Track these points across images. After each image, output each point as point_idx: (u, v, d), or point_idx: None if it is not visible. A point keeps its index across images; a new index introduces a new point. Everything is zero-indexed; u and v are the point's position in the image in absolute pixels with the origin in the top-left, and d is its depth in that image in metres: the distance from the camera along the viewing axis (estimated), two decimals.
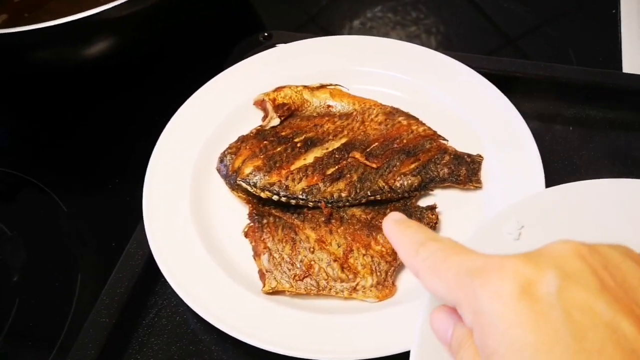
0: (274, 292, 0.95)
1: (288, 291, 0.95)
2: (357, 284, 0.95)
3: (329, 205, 1.04)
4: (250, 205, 1.06)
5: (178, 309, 1.00)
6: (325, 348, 0.86)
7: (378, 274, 0.96)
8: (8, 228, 1.13)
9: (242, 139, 1.12)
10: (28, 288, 1.04)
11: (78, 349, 0.89)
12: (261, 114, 1.21)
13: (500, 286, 0.44)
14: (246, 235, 1.02)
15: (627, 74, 1.29)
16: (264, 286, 0.95)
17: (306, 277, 0.95)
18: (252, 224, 1.03)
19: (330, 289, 0.95)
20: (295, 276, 0.95)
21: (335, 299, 0.96)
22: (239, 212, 1.07)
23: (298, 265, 0.96)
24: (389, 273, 0.97)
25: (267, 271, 0.96)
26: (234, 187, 1.07)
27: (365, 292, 0.95)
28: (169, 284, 0.95)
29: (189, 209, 1.05)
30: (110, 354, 0.91)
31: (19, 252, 1.10)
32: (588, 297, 0.42)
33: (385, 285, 0.96)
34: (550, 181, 1.01)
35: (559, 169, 1.14)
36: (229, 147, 1.10)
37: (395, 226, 0.62)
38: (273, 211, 1.04)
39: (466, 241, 0.86)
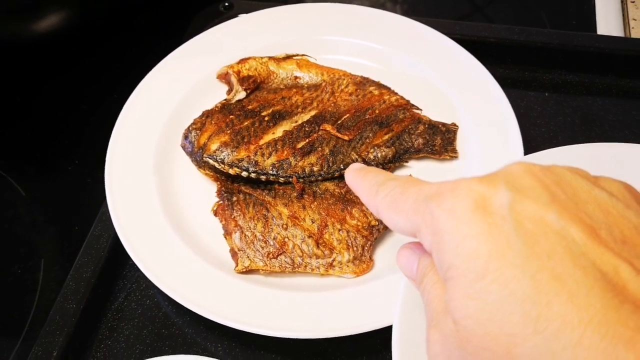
0: (248, 271, 0.96)
1: (262, 270, 0.96)
2: (333, 260, 0.97)
3: (301, 180, 1.05)
4: (218, 182, 1.06)
5: (148, 292, 1.00)
6: (302, 326, 0.87)
7: (355, 249, 0.98)
8: None
9: (207, 114, 1.12)
10: None
11: (45, 336, 0.88)
12: (225, 87, 1.21)
13: (455, 203, 0.46)
14: (215, 213, 1.03)
15: (603, 36, 1.31)
16: (236, 265, 0.96)
17: (280, 254, 0.96)
18: (221, 202, 1.03)
19: (306, 266, 0.96)
20: (268, 254, 0.96)
21: (311, 277, 0.97)
22: (207, 191, 1.07)
23: (271, 243, 0.97)
24: (366, 248, 0.98)
25: (239, 250, 0.97)
26: (201, 164, 1.07)
27: (342, 268, 0.96)
28: (137, 267, 0.96)
29: (154, 188, 1.05)
30: (79, 340, 0.91)
31: None
32: (539, 209, 0.44)
33: (363, 260, 0.97)
34: (528, 148, 1.03)
35: (535, 136, 1.16)
36: (194, 123, 1.10)
37: (355, 173, 0.65)
38: (243, 188, 1.05)
39: None
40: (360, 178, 0.63)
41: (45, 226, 1.11)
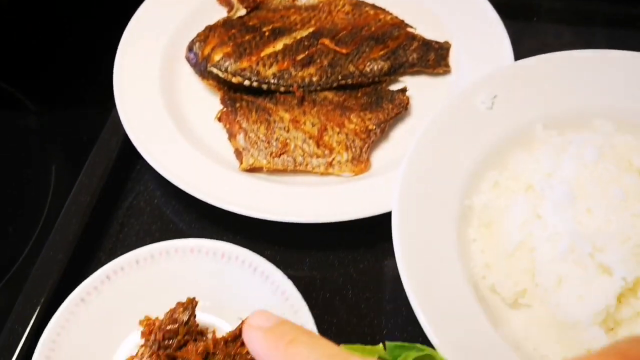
0: (252, 170, 1.02)
1: (265, 167, 1.01)
2: (333, 159, 1.03)
3: (301, 89, 1.10)
4: (221, 92, 1.12)
5: (156, 193, 1.06)
6: (304, 213, 0.93)
7: (353, 149, 1.04)
8: None
9: (210, 28, 1.16)
10: (2, 179, 1.09)
11: (60, 227, 0.94)
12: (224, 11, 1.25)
13: None
14: (220, 119, 1.08)
15: None
16: (241, 164, 1.02)
17: (283, 154, 1.02)
18: (225, 108, 1.09)
19: (307, 165, 1.02)
20: (271, 153, 1.02)
21: (312, 176, 1.03)
22: (210, 101, 1.12)
23: (274, 144, 1.03)
24: (364, 149, 1.04)
25: (243, 149, 1.03)
26: (205, 74, 1.12)
27: (341, 167, 1.02)
28: (145, 170, 1.01)
29: (160, 98, 1.10)
30: (92, 233, 0.97)
31: None
32: None
33: (360, 160, 1.03)
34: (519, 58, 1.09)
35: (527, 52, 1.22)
36: (198, 36, 1.15)
37: (268, 345, 0.43)
38: (245, 97, 1.10)
39: (437, 112, 0.94)
40: (281, 354, 0.41)
41: (54, 136, 1.16)
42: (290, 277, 0.84)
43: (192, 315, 0.77)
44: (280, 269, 0.87)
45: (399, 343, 0.63)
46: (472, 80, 0.97)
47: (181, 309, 0.77)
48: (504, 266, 0.80)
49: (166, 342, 0.75)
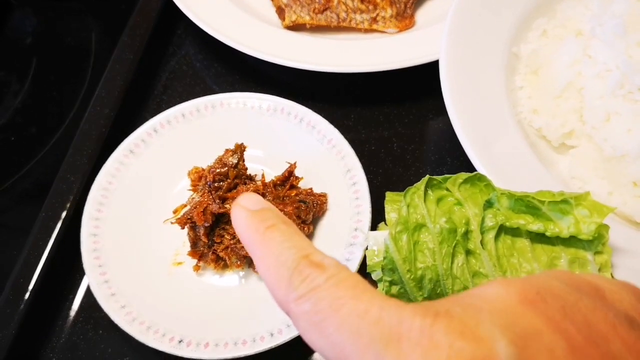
0: (295, 27, 1.02)
1: (308, 24, 1.02)
2: (377, 15, 1.03)
3: None
4: None
5: (198, 56, 1.08)
6: (351, 62, 0.93)
7: (397, 5, 1.04)
8: None
9: None
10: (43, 48, 1.12)
11: (106, 82, 0.96)
12: None
13: None
14: None
15: None
16: (283, 21, 1.02)
17: (326, 10, 1.03)
18: None
19: (351, 20, 1.02)
20: (314, 9, 1.02)
21: (356, 33, 1.04)
22: None
23: (317, 0, 1.03)
24: (408, 4, 1.04)
25: (285, 6, 1.03)
26: None
27: (385, 23, 1.03)
28: (187, 35, 1.03)
29: None
30: (136, 91, 1.00)
31: (28, 18, 1.17)
32: None
33: (405, 16, 1.03)
34: None
35: None
36: None
37: (249, 220, 0.44)
38: None
39: None
40: (262, 245, 0.42)
41: (92, 3, 1.17)
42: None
43: (241, 159, 0.80)
44: None
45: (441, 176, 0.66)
46: None
47: (230, 153, 0.80)
48: (551, 108, 0.81)
49: (216, 184, 0.78)
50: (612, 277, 0.61)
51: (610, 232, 0.64)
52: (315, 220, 0.82)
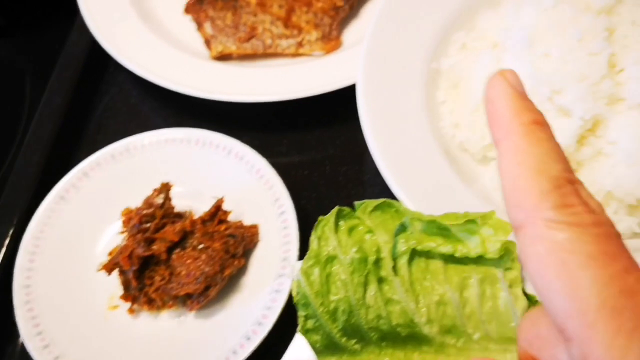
0: (222, 57, 1.03)
1: (235, 53, 1.02)
2: (302, 39, 1.03)
3: None
4: None
5: (132, 92, 1.08)
6: (277, 90, 0.94)
7: (322, 28, 1.04)
8: None
9: None
10: None
11: (35, 129, 0.96)
12: None
13: None
14: (187, 11, 1.09)
15: None
16: (211, 51, 1.03)
17: (251, 38, 1.03)
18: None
19: (277, 47, 1.03)
20: (240, 38, 1.03)
21: (284, 58, 1.04)
22: None
23: (242, 29, 1.04)
24: (333, 26, 1.05)
25: (211, 37, 1.03)
26: None
27: (311, 46, 1.03)
28: (118, 71, 1.03)
29: None
30: (68, 134, 1.00)
31: None
32: None
33: (331, 38, 1.04)
34: None
35: None
36: None
37: (513, 106, 0.35)
38: None
39: None
40: (522, 126, 0.34)
41: (24, 46, 1.17)
42: (268, 158, 0.87)
43: (167, 198, 0.80)
44: (259, 152, 0.89)
45: (366, 200, 0.66)
46: None
47: (156, 194, 0.80)
48: (470, 121, 0.82)
49: (144, 225, 0.78)
50: (524, 292, 0.62)
51: None
52: (248, 252, 0.82)
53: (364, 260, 0.61)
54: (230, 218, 0.83)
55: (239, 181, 0.86)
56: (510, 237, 0.61)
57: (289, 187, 0.87)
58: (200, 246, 0.78)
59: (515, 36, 0.78)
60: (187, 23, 1.09)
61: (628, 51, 0.73)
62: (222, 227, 0.81)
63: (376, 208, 0.64)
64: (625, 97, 0.72)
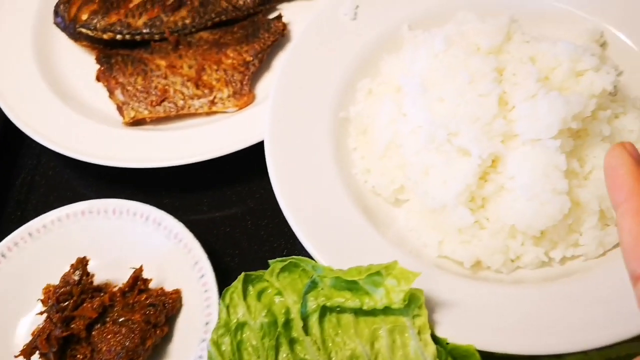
0: (136, 122, 1.03)
1: (148, 118, 1.03)
2: (214, 97, 1.04)
3: (175, 34, 1.11)
4: (96, 51, 1.12)
5: (49, 164, 1.07)
6: (191, 153, 0.95)
7: (233, 84, 1.05)
8: None
9: None
10: None
11: None
12: None
13: None
14: (98, 79, 1.09)
15: None
16: (124, 118, 1.03)
17: (163, 101, 1.04)
18: (101, 67, 1.09)
19: (190, 107, 1.04)
20: (152, 102, 1.03)
21: (199, 118, 1.05)
22: (90, 62, 1.12)
23: (153, 92, 1.04)
24: (244, 82, 1.06)
25: (123, 104, 1.04)
26: (76, 36, 1.12)
27: (224, 103, 1.04)
28: (35, 144, 1.02)
29: (37, 70, 1.09)
30: None
31: None
32: None
33: (243, 94, 1.05)
34: None
35: None
36: None
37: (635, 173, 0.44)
38: (121, 51, 1.11)
39: (301, 34, 0.96)
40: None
41: None
42: (190, 219, 0.87)
43: (84, 274, 0.80)
44: (180, 213, 0.89)
45: (279, 259, 0.67)
46: None
47: (72, 270, 0.80)
48: (379, 166, 0.84)
49: (62, 304, 0.77)
50: (432, 336, 0.63)
51: (436, 286, 0.66)
52: (171, 318, 0.82)
53: (273, 323, 0.62)
54: (152, 285, 0.83)
55: (158, 247, 0.86)
56: (414, 284, 0.62)
57: (212, 246, 0.88)
58: (121, 319, 0.77)
59: (411, 81, 0.80)
60: (101, 91, 1.08)
61: (517, 88, 0.75)
62: (143, 296, 0.81)
63: (283, 269, 0.65)
64: (519, 133, 0.74)
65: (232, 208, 0.99)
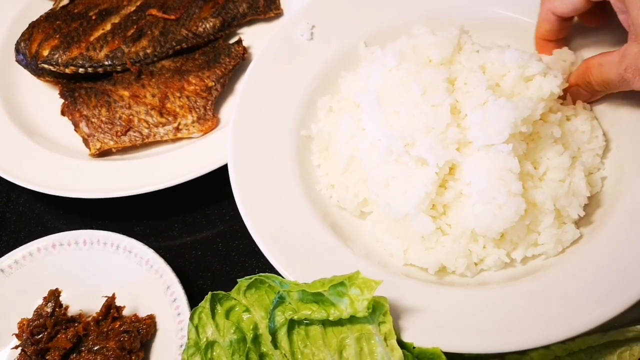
0: (102, 153, 1.04)
1: (114, 148, 1.04)
2: (179, 124, 1.06)
3: (137, 64, 1.12)
4: (59, 85, 1.13)
5: (19, 200, 1.07)
6: (156, 180, 0.96)
7: (197, 110, 1.07)
8: None
9: (33, 24, 1.16)
10: None
11: None
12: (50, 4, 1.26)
13: None
14: (62, 113, 1.10)
15: None
16: (90, 150, 1.04)
17: (128, 130, 1.05)
18: (65, 101, 1.10)
19: (155, 135, 1.05)
20: (117, 133, 1.04)
21: (166, 145, 1.06)
22: (54, 97, 1.13)
23: (118, 123, 1.05)
24: (207, 107, 1.08)
25: (89, 136, 1.05)
26: (39, 72, 1.13)
27: (189, 129, 1.06)
28: (4, 181, 1.03)
29: (0, 106, 1.11)
30: None
31: None
32: None
33: (207, 119, 1.07)
34: None
35: None
36: (22, 35, 1.14)
37: None
38: (84, 84, 1.12)
39: (258, 56, 0.97)
40: None
41: None
42: (161, 244, 0.89)
43: (57, 306, 0.80)
44: (151, 239, 0.91)
45: (246, 277, 0.68)
46: (287, 17, 1.00)
47: (45, 303, 0.80)
48: (342, 181, 0.85)
49: (36, 337, 0.78)
50: (399, 342, 0.65)
51: (402, 293, 0.68)
52: (147, 344, 0.83)
53: (242, 340, 0.63)
54: (126, 312, 0.84)
55: (130, 274, 0.87)
56: (377, 292, 0.64)
57: (184, 270, 0.89)
58: (96, 347, 0.78)
59: (367, 97, 0.82)
60: (66, 124, 1.09)
61: (469, 97, 0.78)
62: (117, 324, 0.81)
63: (250, 286, 0.66)
64: (472, 139, 0.76)
65: (203, 231, 1.00)
